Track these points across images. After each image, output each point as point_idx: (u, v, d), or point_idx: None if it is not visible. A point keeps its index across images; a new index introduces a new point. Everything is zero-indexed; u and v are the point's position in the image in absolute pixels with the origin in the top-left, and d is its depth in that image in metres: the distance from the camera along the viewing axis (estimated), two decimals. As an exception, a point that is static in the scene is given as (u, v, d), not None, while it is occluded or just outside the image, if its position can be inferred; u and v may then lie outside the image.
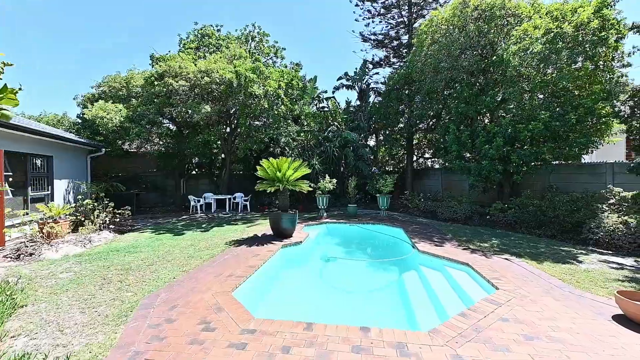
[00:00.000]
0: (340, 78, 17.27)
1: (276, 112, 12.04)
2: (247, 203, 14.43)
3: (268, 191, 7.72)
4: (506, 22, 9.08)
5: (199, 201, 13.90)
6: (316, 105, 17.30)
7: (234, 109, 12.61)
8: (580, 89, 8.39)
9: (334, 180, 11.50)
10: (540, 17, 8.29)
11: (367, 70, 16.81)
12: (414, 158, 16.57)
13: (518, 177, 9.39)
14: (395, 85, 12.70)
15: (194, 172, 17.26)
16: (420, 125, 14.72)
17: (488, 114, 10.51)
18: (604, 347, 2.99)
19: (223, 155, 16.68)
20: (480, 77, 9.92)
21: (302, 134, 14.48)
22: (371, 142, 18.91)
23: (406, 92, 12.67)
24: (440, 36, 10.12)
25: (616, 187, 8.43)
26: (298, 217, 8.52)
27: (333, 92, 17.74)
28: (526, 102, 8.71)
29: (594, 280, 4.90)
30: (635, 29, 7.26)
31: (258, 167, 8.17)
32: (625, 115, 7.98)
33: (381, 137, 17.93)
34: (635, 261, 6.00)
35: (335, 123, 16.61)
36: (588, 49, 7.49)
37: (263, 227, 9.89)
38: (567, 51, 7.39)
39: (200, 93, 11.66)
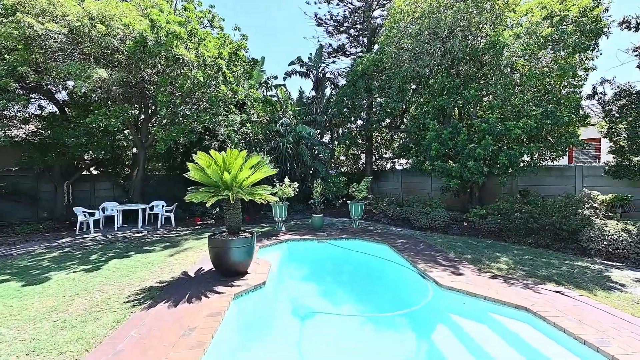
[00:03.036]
0: (292, 63, 14.71)
1: (215, 92, 8.80)
2: (172, 215, 10.62)
3: (207, 203, 4.72)
4: (496, 6, 8.11)
5: (92, 214, 9.50)
6: (263, 93, 14.35)
7: (150, 81, 8.80)
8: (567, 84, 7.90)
9: (295, 184, 8.93)
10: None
11: (323, 57, 14.67)
12: (374, 158, 15.19)
13: (503, 180, 8.51)
14: (363, 73, 10.86)
15: (86, 173, 12.26)
16: (383, 123, 13.31)
17: (465, 110, 9.49)
18: None
19: (135, 150, 12.30)
20: (464, 66, 8.77)
21: (248, 125, 11.42)
22: (325, 139, 16.92)
23: (375, 82, 10.93)
24: (422, 13, 8.62)
25: (593, 191, 8.20)
26: (247, 229, 5.70)
27: (284, 79, 15.06)
28: (517, 97, 7.81)
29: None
30: (625, 24, 6.95)
31: (190, 166, 5.07)
32: (607, 119, 7.74)
33: (337, 134, 16.08)
34: (665, 278, 5.26)
35: (288, 115, 13.98)
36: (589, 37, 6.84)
37: (197, 254, 6.67)
38: (576, 36, 6.61)
39: (91, 52, 7.60)
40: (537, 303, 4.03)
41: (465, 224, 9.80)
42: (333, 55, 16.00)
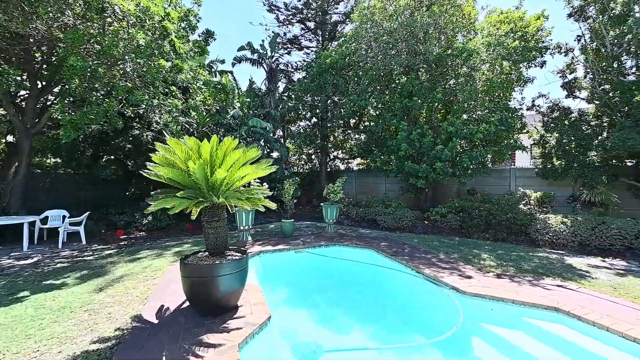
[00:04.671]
0: (242, 48, 12.94)
1: (156, 66, 6.70)
2: (81, 228, 7.74)
3: (171, 210, 3.21)
4: (461, 13, 8.63)
5: None
6: (204, 79, 12.15)
7: (50, 37, 6.08)
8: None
9: (265, 186, 7.58)
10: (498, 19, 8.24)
11: (277, 46, 13.39)
12: (329, 158, 14.75)
13: (464, 180, 9.14)
14: (331, 67, 10.17)
15: None
16: (349, 121, 12.97)
17: (430, 113, 9.91)
18: None
19: (13, 137, 8.76)
20: (435, 69, 9.06)
21: (193, 114, 9.34)
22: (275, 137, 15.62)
23: (342, 79, 10.41)
24: (396, 11, 8.52)
25: (526, 189, 9.58)
26: (194, 243, 4.29)
27: (233, 65, 13.14)
28: (480, 103, 8.46)
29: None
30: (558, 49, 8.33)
31: (157, 160, 3.44)
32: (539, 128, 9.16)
33: (289, 132, 15.02)
34: (605, 262, 6.28)
35: (237, 105, 12.21)
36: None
37: (143, 284, 4.79)
38: (534, 52, 7.47)
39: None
40: (559, 301, 4.10)
41: (426, 222, 10.21)
42: (286, 46, 14.86)
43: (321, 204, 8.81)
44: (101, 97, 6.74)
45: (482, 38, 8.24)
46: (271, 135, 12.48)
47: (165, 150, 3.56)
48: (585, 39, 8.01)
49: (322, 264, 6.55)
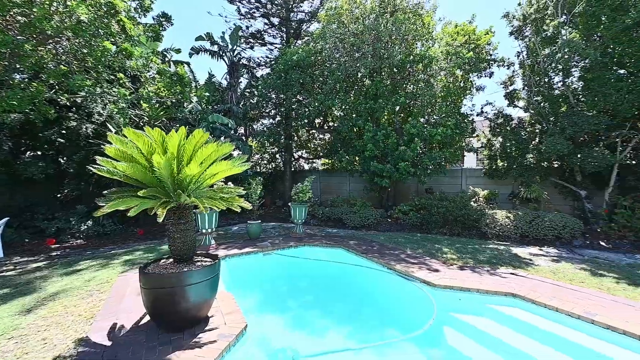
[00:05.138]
0: (200, 38, 12.03)
1: (101, 48, 5.81)
2: (-2, 238, 6.39)
3: (158, 216, 2.79)
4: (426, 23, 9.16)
5: None
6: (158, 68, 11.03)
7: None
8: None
9: (230, 185, 7.10)
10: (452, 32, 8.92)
11: (239, 40, 12.74)
12: (294, 158, 14.52)
13: (424, 179, 9.71)
14: (298, 64, 9.95)
15: None
16: (315, 121, 12.84)
17: (394, 115, 10.34)
18: None
19: None
20: (399, 73, 9.44)
21: (144, 106, 8.38)
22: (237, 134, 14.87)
23: (309, 77, 10.28)
24: (363, 13, 8.69)
25: (475, 188, 10.56)
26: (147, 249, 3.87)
27: (190, 56, 12.13)
28: (438, 107, 9.07)
29: (600, 282, 4.94)
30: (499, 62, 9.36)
31: (111, 152, 2.93)
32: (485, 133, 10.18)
33: (251, 129, 14.44)
34: (542, 250, 7.18)
35: (194, 100, 11.33)
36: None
37: (86, 300, 4.10)
38: (484, 64, 8.23)
39: None
40: (514, 287, 4.52)
41: (390, 220, 10.63)
42: (249, 41, 14.21)
43: (289, 203, 8.59)
44: (27, 80, 5.61)
45: (440, 47, 8.90)
46: (233, 132, 11.84)
47: (121, 143, 3.05)
48: (523, 55, 9.14)
49: (294, 266, 6.35)
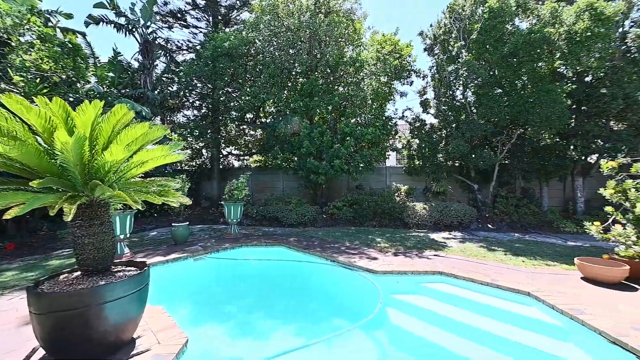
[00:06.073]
0: (100, 5, 9.81)
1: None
2: None
3: (22, 209, 2.30)
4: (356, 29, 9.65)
5: None
6: (39, 32, 8.49)
7: None
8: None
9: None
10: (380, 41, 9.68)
11: (153, 17, 10.94)
12: (222, 154, 13.41)
13: (357, 176, 10.31)
14: (229, 52, 9.11)
15: None
16: (236, 114, 12.05)
17: (328, 114, 10.64)
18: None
19: None
20: (333, 74, 9.70)
21: (16, 78, 6.34)
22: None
23: (240, 67, 9.57)
24: (299, 9, 8.62)
25: (398, 184, 11.83)
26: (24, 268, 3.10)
27: (86, 25, 9.78)
28: (371, 109, 9.75)
29: (495, 255, 6.10)
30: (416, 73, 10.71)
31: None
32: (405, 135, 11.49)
33: (174, 121, 12.70)
34: (451, 234, 8.50)
35: (92, 80, 9.24)
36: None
37: None
38: (406, 72, 9.19)
39: None
40: (439, 266, 5.20)
41: (325, 216, 10.90)
42: (167, 20, 12.32)
43: (221, 202, 7.86)
44: None
45: (370, 53, 9.64)
46: (148, 122, 10.13)
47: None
48: (434, 70, 10.71)
49: (233, 268, 5.82)
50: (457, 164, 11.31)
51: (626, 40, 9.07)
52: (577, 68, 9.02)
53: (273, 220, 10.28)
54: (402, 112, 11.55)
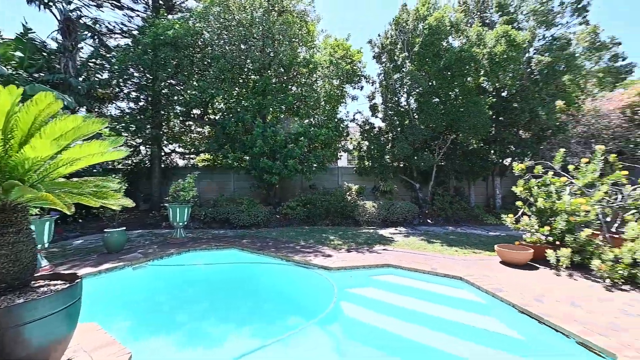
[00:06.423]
0: (4, -32, 8.10)
1: None
2: None
3: None
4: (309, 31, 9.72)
5: None
6: None
7: None
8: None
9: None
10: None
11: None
12: (164, 152, 12.29)
13: (310, 176, 10.46)
14: (174, 41, 8.32)
15: None
16: (180, 109, 11.17)
17: (281, 113, 10.56)
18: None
19: None
20: (286, 73, 9.62)
21: None
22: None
23: (186, 59, 8.86)
24: (252, 4, 8.38)
25: (349, 184, 12.35)
26: None
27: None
28: (324, 111, 9.97)
29: (434, 247, 6.79)
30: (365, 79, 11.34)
31: None
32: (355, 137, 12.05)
33: (104, 113, 11.19)
34: (397, 230, 9.21)
35: (-6, 59, 7.64)
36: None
37: None
38: (357, 77, 9.61)
39: None
40: (387, 258, 5.62)
41: (278, 216, 10.81)
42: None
43: (165, 204, 7.23)
44: None
45: (323, 56, 9.88)
46: (71, 113, 8.75)
47: None
48: (382, 77, 11.47)
49: (180, 275, 5.41)
50: (402, 165, 12.28)
51: (531, 64, 10.98)
52: (497, 84, 10.62)
53: (224, 222, 9.82)
54: (354, 115, 12.09)
